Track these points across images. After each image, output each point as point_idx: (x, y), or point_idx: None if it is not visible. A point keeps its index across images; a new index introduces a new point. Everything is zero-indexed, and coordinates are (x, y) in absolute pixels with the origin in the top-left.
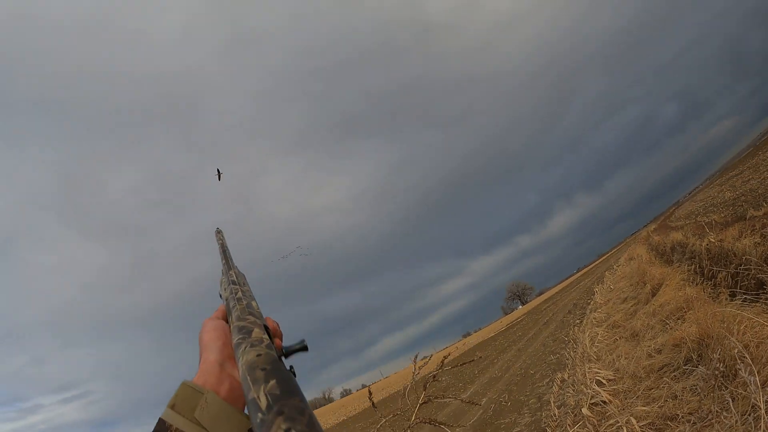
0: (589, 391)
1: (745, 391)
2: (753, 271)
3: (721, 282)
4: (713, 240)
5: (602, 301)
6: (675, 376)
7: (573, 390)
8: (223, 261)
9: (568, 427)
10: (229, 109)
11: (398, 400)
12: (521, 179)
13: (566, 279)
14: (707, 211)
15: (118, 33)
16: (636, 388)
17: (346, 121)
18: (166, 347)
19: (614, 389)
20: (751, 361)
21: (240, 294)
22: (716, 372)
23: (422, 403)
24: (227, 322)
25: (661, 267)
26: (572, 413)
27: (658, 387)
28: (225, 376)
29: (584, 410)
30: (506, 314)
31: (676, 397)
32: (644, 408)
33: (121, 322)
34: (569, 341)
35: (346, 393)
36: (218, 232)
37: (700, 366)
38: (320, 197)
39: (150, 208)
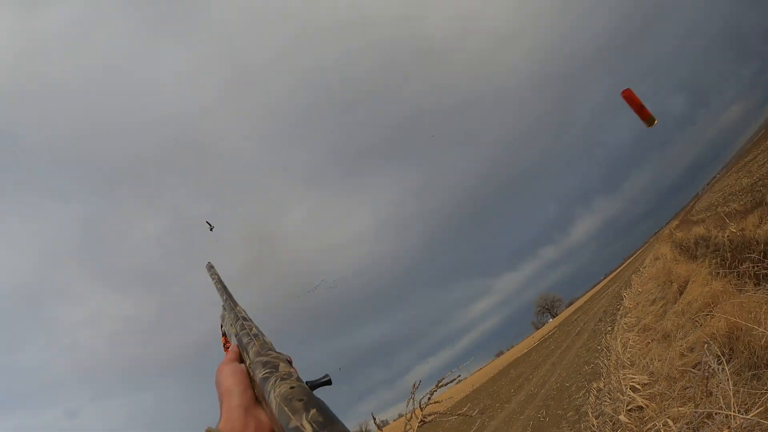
0: (625, 397)
1: None
2: None
3: (745, 272)
4: (734, 230)
5: (631, 305)
6: (708, 373)
7: (609, 398)
8: (224, 296)
9: None
10: (239, 149)
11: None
12: (539, 190)
13: (594, 286)
14: (727, 201)
15: (125, 85)
16: (671, 390)
17: (357, 152)
18: (194, 393)
19: (650, 393)
20: None
21: (255, 330)
22: (748, 364)
23: (421, 423)
24: (241, 361)
25: (686, 264)
26: (610, 422)
27: (692, 386)
28: (250, 419)
29: (622, 417)
30: (537, 329)
31: (710, 394)
32: (680, 409)
33: (150, 370)
34: (602, 349)
35: (384, 424)
36: (210, 267)
37: (732, 360)
38: (341, 230)
39: (172, 254)
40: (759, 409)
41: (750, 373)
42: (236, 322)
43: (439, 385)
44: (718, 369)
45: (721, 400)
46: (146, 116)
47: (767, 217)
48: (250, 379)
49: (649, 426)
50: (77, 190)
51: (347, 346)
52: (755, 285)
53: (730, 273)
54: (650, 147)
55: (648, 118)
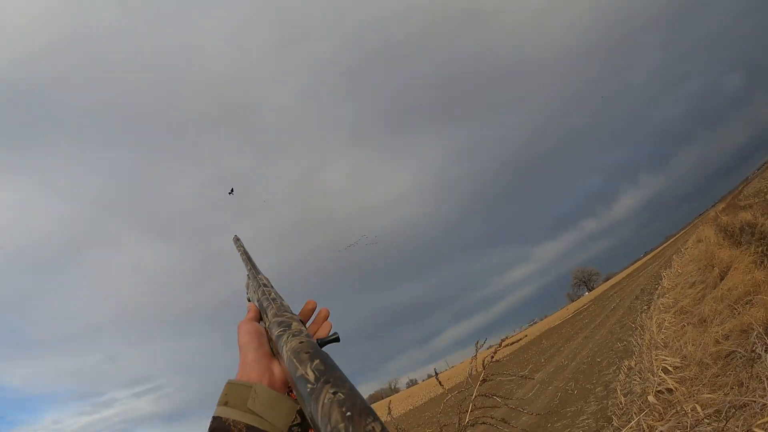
0: (655, 378)
1: None
2: None
3: None
4: None
5: (670, 286)
6: (742, 362)
7: (640, 377)
8: (248, 266)
9: (633, 414)
10: (284, 106)
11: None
12: (584, 160)
13: (633, 263)
14: None
15: (172, 44)
16: (702, 376)
17: (401, 112)
18: (228, 343)
19: (681, 376)
20: None
21: (273, 295)
22: None
23: (482, 381)
24: (259, 322)
25: (730, 249)
26: (638, 401)
27: (724, 374)
28: (264, 369)
29: (650, 398)
30: (572, 301)
31: (742, 384)
32: (710, 395)
33: (189, 319)
34: (636, 328)
35: (412, 383)
36: (236, 239)
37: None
38: (381, 190)
39: (216, 207)
40: None
41: None
42: (258, 289)
43: (503, 344)
44: (765, 355)
45: (752, 393)
46: (191, 75)
47: None
48: (268, 337)
49: (677, 409)
50: (124, 144)
51: (382, 305)
52: None
53: None
54: (701, 125)
55: None
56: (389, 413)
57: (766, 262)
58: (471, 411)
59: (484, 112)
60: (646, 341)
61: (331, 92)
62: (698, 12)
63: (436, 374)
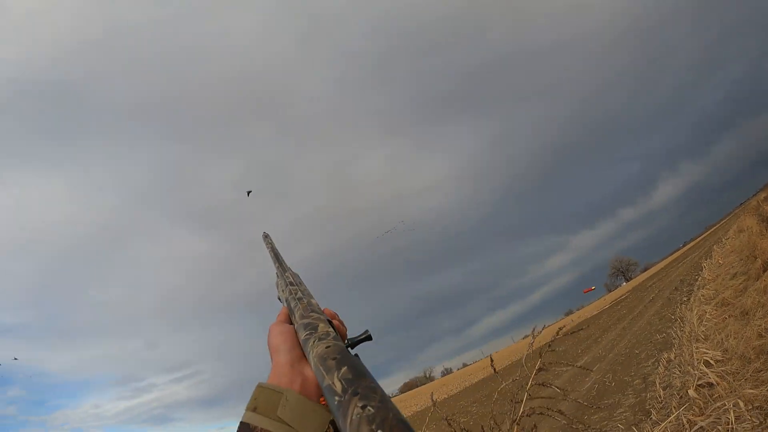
0: (696, 372)
1: None
2: None
3: None
4: None
5: (710, 277)
6: None
7: (679, 371)
8: (276, 264)
9: (673, 408)
10: (317, 97)
11: (505, 377)
12: (622, 147)
13: (672, 253)
14: None
15: (205, 39)
16: (744, 370)
17: (434, 100)
18: (262, 333)
19: (722, 370)
20: None
21: (300, 294)
22: None
23: (538, 370)
24: (291, 323)
25: None
26: (678, 395)
27: (767, 369)
28: (296, 374)
29: (690, 392)
30: (610, 291)
31: None
32: (752, 391)
33: (227, 308)
34: (676, 320)
35: (446, 372)
36: (266, 236)
37: None
38: (416, 178)
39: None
40: None
41: None
42: (286, 288)
43: (559, 334)
44: None
45: None
46: (223, 68)
47: None
48: (298, 339)
49: (718, 404)
50: (162, 138)
51: (417, 293)
52: None
53: None
54: (744, 112)
55: None
56: (433, 401)
57: None
58: (525, 401)
59: (518, 98)
60: (686, 333)
61: (363, 82)
62: None
63: (491, 361)
